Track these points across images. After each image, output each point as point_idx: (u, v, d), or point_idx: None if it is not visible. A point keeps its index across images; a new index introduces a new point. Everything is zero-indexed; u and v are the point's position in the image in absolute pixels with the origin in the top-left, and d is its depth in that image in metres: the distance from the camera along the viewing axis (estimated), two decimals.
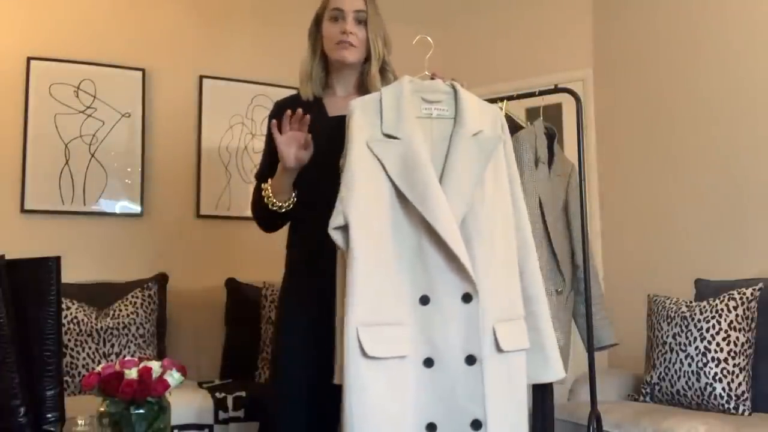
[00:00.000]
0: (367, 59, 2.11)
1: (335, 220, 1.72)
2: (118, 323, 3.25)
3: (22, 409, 2.09)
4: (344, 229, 1.72)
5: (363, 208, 1.72)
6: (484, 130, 1.82)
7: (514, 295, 1.81)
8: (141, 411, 2.19)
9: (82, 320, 3.19)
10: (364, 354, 1.64)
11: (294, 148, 1.95)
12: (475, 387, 1.68)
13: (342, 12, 2.06)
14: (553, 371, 1.91)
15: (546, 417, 2.68)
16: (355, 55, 2.08)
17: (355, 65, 2.11)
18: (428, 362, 1.70)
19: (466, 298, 1.70)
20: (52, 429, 2.17)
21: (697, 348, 2.70)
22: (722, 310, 2.72)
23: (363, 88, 2.12)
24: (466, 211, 1.73)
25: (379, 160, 1.75)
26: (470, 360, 1.69)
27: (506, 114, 2.53)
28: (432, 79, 1.91)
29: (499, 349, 1.72)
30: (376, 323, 1.68)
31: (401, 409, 1.67)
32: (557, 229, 2.61)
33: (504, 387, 1.74)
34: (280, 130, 1.96)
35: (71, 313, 3.17)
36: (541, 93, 2.63)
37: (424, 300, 1.71)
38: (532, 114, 2.91)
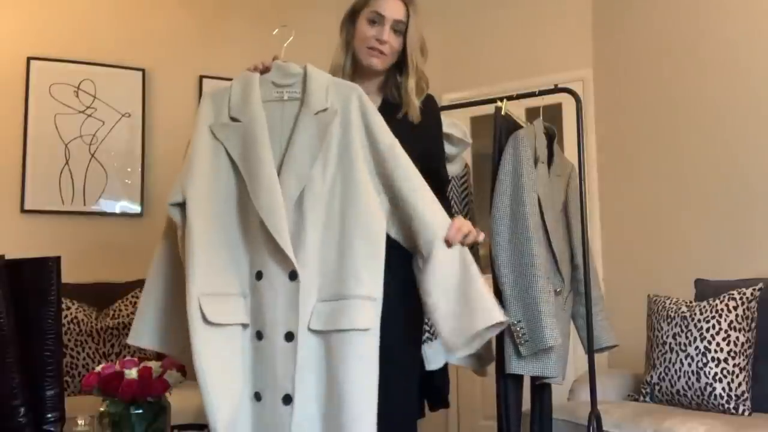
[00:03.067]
0: (397, 66, 2.09)
1: (173, 198, 1.83)
2: (118, 323, 3.25)
3: (22, 409, 2.08)
4: (182, 206, 1.81)
5: (201, 187, 1.81)
6: (329, 108, 1.82)
7: (349, 274, 1.75)
8: (141, 411, 2.19)
9: (82, 320, 3.19)
10: (206, 320, 1.71)
11: None
12: (288, 363, 1.73)
13: (382, 18, 2.02)
14: (485, 318, 1.71)
15: (544, 417, 2.68)
16: (384, 64, 2.06)
17: (382, 71, 2.09)
18: (259, 335, 1.77)
19: (293, 276, 1.74)
20: (52, 429, 2.17)
21: (697, 348, 2.70)
22: (722, 310, 2.72)
23: (385, 90, 2.11)
24: (303, 189, 1.77)
25: (221, 142, 1.83)
26: (288, 337, 1.74)
27: (506, 113, 2.53)
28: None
29: (309, 328, 1.74)
30: (216, 293, 1.75)
31: (242, 373, 1.76)
32: (556, 229, 2.61)
33: (320, 366, 1.74)
34: None
35: (71, 313, 3.17)
36: (541, 93, 2.63)
37: (259, 275, 1.78)
38: (532, 114, 2.91)
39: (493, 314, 1.72)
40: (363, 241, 1.76)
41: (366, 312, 1.73)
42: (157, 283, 1.93)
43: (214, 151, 1.84)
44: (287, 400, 1.72)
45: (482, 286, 1.76)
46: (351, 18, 2.11)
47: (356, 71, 2.11)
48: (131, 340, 1.95)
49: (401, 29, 2.04)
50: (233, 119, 1.84)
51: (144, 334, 1.94)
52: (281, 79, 1.89)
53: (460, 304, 1.74)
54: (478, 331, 1.73)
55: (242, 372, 1.76)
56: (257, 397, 1.77)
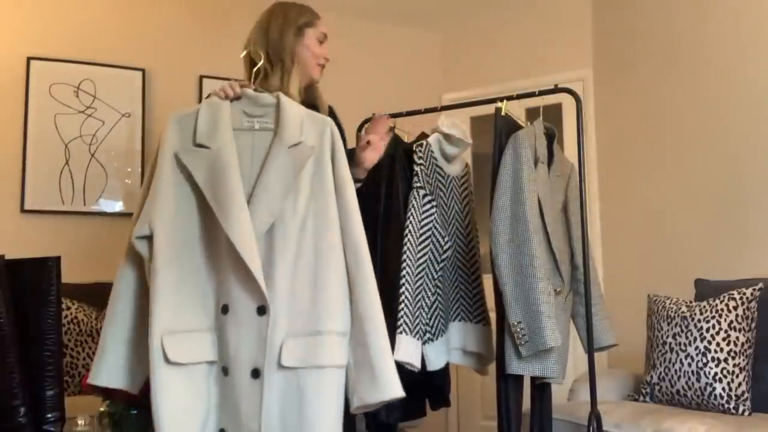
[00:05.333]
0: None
1: (139, 230, 1.75)
2: None
3: (22, 409, 2.09)
4: (149, 239, 1.75)
5: (168, 218, 1.75)
6: (303, 142, 1.81)
7: (323, 309, 1.74)
8: (140, 411, 2.19)
9: (82, 320, 3.19)
10: (167, 360, 1.68)
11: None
12: (254, 401, 1.69)
13: (325, 37, 2.24)
14: (381, 391, 1.73)
15: (544, 417, 2.69)
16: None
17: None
18: (224, 371, 1.73)
19: (261, 310, 1.71)
20: (52, 429, 2.17)
21: (697, 348, 2.70)
22: (722, 310, 2.72)
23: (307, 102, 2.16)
24: (273, 221, 1.74)
25: (187, 168, 1.78)
26: (255, 373, 1.70)
27: (506, 114, 2.53)
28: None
29: (280, 365, 1.70)
30: (180, 330, 1.71)
31: (204, 412, 1.72)
32: (556, 229, 2.61)
33: (289, 404, 1.70)
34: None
35: (71, 313, 3.17)
36: (541, 93, 2.63)
37: (225, 309, 1.74)
38: (532, 114, 2.91)
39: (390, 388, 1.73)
40: (336, 277, 1.75)
41: (341, 348, 1.73)
42: (121, 313, 1.81)
43: (179, 179, 1.79)
44: None
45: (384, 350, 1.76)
46: (299, 31, 2.19)
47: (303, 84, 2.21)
48: (92, 380, 1.79)
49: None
50: (200, 146, 1.79)
51: (102, 372, 1.79)
52: (252, 109, 1.86)
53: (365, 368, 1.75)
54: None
55: (205, 411, 1.72)
56: None
